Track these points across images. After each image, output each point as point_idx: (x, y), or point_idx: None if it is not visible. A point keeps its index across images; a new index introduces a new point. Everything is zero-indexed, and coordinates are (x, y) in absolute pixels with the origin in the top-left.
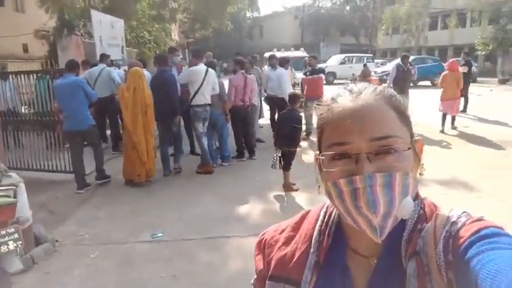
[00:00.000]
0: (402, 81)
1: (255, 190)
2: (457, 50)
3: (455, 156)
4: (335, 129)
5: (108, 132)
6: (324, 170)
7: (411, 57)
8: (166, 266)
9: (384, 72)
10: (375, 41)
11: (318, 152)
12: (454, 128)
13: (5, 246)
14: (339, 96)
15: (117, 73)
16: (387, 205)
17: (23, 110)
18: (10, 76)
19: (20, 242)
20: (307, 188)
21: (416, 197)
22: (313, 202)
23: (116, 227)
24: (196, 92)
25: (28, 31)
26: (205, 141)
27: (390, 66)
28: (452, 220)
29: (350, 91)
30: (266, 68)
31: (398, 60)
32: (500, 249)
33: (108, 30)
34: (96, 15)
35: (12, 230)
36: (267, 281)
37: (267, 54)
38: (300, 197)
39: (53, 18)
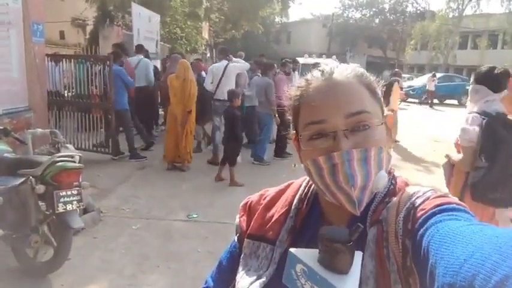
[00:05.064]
0: None
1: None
2: None
3: None
4: (311, 109)
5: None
6: (303, 149)
7: (438, 75)
8: (202, 243)
9: (410, 87)
10: (402, 55)
11: (294, 132)
12: None
13: (70, 205)
14: (312, 78)
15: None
16: (364, 178)
17: (65, 94)
18: (62, 60)
19: (82, 204)
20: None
21: (389, 173)
22: None
23: (154, 205)
24: (216, 87)
25: (65, 19)
26: (218, 135)
27: (418, 81)
28: (417, 195)
29: (322, 72)
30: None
31: None
32: (457, 221)
33: (145, 24)
34: (136, 8)
35: (76, 192)
36: (245, 239)
37: (301, 60)
38: None
39: (91, 8)
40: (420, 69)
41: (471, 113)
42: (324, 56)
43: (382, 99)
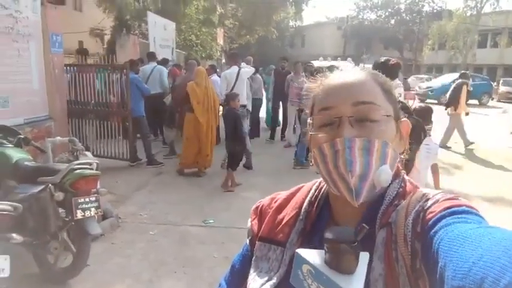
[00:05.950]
0: None
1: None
2: (508, 70)
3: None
4: (323, 97)
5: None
6: (312, 134)
7: (457, 75)
8: (218, 249)
9: (428, 87)
10: (419, 56)
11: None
12: None
13: (89, 212)
14: (330, 73)
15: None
16: (363, 166)
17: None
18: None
19: (100, 210)
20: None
21: (398, 175)
22: None
23: (170, 211)
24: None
25: (84, 29)
26: None
27: (437, 81)
28: (427, 197)
29: (340, 69)
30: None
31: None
32: (466, 223)
33: (161, 32)
34: (151, 17)
35: (94, 198)
36: (256, 242)
37: (316, 63)
38: None
39: (108, 18)
40: (438, 70)
41: None
42: (339, 58)
43: (397, 100)
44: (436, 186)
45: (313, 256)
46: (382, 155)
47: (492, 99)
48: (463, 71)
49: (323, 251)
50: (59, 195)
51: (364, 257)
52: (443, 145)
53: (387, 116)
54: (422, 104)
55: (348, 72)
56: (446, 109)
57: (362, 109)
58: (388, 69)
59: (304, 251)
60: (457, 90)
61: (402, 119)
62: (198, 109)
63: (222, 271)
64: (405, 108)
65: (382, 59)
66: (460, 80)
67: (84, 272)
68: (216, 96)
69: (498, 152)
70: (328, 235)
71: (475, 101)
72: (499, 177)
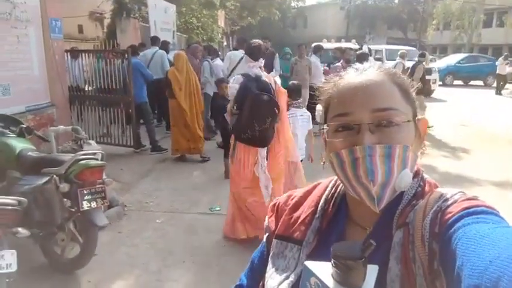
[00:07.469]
0: None
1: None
2: None
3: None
4: (339, 102)
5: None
6: (328, 140)
7: (462, 55)
8: (226, 236)
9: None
10: (424, 36)
11: (324, 125)
12: None
13: (94, 203)
14: (345, 73)
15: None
16: (385, 175)
17: (86, 88)
18: (81, 55)
19: (106, 201)
20: None
21: (417, 174)
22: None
23: (176, 198)
24: (231, 72)
25: (83, 13)
26: None
27: (442, 62)
28: (445, 197)
29: (356, 69)
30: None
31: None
32: (485, 224)
33: (161, 15)
34: (151, 0)
35: (100, 189)
36: (273, 239)
37: (325, 45)
38: None
39: (107, 1)
40: (443, 50)
41: (238, 75)
42: (342, 40)
43: (414, 99)
44: (311, 148)
45: (320, 269)
46: (403, 159)
47: None
48: None
49: (331, 263)
50: (64, 187)
51: (372, 270)
52: None
53: (408, 121)
54: (295, 82)
55: (365, 74)
56: None
57: (381, 115)
58: (251, 50)
59: (312, 264)
60: None
61: (420, 117)
62: (180, 95)
63: (231, 260)
64: (263, 88)
65: (251, 41)
66: None
67: (92, 262)
68: (198, 80)
69: (508, 134)
70: (334, 251)
71: (480, 82)
72: (508, 160)
